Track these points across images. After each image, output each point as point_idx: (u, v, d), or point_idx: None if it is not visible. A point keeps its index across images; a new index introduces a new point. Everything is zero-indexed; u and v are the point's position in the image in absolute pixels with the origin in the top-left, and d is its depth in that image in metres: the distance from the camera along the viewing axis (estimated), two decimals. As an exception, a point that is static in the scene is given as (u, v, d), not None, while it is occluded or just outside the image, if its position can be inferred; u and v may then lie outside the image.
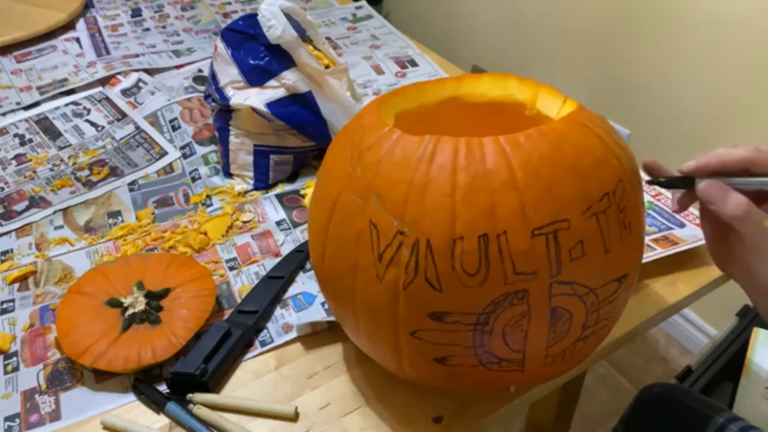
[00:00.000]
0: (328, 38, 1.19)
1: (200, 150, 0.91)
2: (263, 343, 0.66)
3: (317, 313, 0.68)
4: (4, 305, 0.71)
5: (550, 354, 0.50)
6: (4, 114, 1.02)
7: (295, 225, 0.80)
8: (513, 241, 0.45)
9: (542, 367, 0.51)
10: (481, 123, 0.60)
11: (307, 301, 0.70)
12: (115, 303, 0.65)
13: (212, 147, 0.91)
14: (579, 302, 0.48)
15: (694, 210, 0.77)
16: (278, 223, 0.80)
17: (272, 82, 0.82)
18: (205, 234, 0.78)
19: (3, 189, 0.87)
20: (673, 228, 0.75)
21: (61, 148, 0.95)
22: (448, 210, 0.45)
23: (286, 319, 0.68)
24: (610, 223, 0.47)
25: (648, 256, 0.69)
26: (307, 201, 0.83)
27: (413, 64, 1.13)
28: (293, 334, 0.66)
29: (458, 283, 0.45)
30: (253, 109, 0.81)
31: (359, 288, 0.50)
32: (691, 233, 0.73)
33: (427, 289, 0.46)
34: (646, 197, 0.80)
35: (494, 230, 0.45)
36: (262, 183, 0.86)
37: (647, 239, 0.73)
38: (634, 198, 0.50)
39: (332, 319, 0.66)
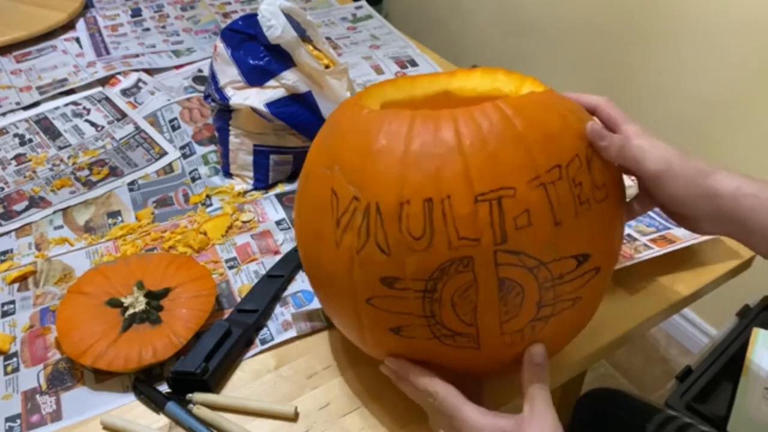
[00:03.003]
0: (328, 38, 1.19)
1: (200, 150, 0.91)
2: (263, 341, 0.66)
3: (317, 312, 0.69)
4: (5, 307, 0.71)
5: (506, 332, 0.49)
6: (4, 114, 1.02)
7: (295, 225, 0.80)
8: (456, 205, 0.45)
9: (500, 347, 0.50)
10: None
11: (306, 298, 0.70)
12: (115, 303, 0.65)
13: (212, 147, 0.91)
14: (529, 275, 0.47)
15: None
16: (278, 223, 0.80)
17: (272, 82, 0.82)
18: (205, 234, 0.78)
19: (3, 189, 0.87)
20: (671, 228, 0.75)
21: (60, 148, 0.95)
22: (397, 174, 0.47)
23: (286, 316, 0.68)
24: (561, 196, 0.47)
25: (646, 255, 0.69)
26: (306, 201, 0.83)
27: (413, 63, 1.13)
28: (293, 332, 0.66)
29: (405, 246, 0.46)
30: (253, 109, 0.81)
31: (323, 257, 0.52)
32: (689, 231, 0.73)
33: (377, 253, 0.47)
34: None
35: (438, 194, 0.46)
36: (262, 183, 0.86)
37: (645, 239, 0.73)
38: (597, 177, 0.49)
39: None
